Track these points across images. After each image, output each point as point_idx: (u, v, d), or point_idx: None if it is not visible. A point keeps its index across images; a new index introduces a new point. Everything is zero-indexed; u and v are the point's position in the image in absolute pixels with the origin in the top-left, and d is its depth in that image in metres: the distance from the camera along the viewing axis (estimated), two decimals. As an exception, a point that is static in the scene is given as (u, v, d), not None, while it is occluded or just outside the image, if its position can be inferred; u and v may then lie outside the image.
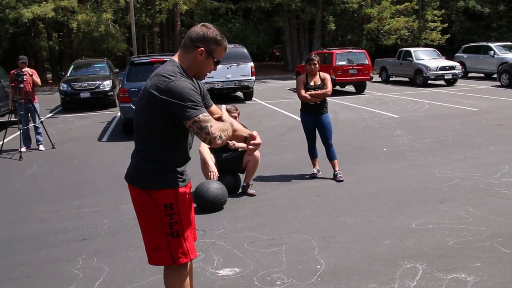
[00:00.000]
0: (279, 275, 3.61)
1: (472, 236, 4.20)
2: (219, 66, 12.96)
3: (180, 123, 2.37)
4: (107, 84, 15.37)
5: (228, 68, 15.54)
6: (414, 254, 3.87)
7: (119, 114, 13.14)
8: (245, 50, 16.49)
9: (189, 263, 2.63)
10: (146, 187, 2.48)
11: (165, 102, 2.33)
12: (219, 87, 15.67)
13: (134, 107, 9.75)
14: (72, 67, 17.41)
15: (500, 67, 19.56)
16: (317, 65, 6.38)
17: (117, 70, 18.22)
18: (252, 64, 16.02)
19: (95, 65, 17.54)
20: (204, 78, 2.62)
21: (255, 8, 29.23)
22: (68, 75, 16.56)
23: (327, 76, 6.43)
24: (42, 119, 9.68)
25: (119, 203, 5.69)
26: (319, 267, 3.73)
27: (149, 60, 10.66)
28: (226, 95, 16.88)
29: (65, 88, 15.18)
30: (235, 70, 15.70)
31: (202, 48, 2.45)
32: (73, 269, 3.94)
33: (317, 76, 6.40)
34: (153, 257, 2.56)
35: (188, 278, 2.66)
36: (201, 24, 2.54)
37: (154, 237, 2.53)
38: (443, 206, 5.06)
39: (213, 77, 15.40)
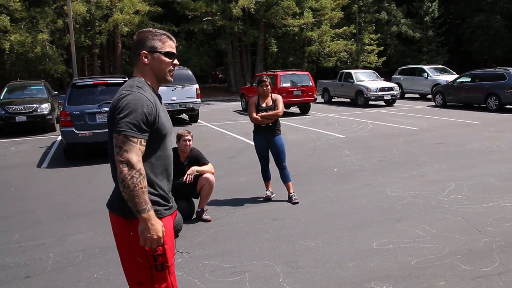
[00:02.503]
0: None
1: (432, 254, 4.24)
2: (164, 89, 12.61)
3: (151, 143, 2.25)
4: (45, 107, 14.65)
5: (173, 90, 15.30)
6: (379, 276, 3.84)
7: (59, 138, 12.57)
8: (190, 72, 16.36)
9: None
10: (128, 216, 2.29)
11: (114, 115, 2.23)
12: (164, 109, 15.39)
13: (76, 131, 9.37)
14: (6, 89, 16.48)
15: (434, 88, 20.58)
16: (269, 87, 6.36)
17: (56, 92, 17.49)
18: (197, 86, 15.88)
19: (32, 88, 16.74)
20: (169, 80, 2.46)
21: (198, 30, 29.22)
22: (1, 98, 15.67)
23: (279, 98, 6.42)
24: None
25: (65, 234, 5.33)
26: (286, 294, 3.62)
27: (92, 82, 10.27)
28: (171, 117, 16.53)
29: (-2, 112, 14.34)
30: (180, 92, 15.49)
31: (143, 51, 2.39)
32: (19, 310, 3.60)
33: (269, 98, 6.37)
34: None
35: None
36: (136, 34, 2.49)
37: (136, 270, 2.35)
38: (400, 225, 5.11)
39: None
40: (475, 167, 7.86)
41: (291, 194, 6.33)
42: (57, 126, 15.13)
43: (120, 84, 10.19)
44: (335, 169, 8.16)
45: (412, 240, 4.63)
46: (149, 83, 2.39)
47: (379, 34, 35.45)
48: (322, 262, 4.21)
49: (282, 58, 32.64)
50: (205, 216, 5.66)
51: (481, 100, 17.30)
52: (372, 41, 34.59)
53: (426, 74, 23.06)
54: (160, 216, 2.31)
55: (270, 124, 6.32)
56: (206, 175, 5.65)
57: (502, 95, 16.33)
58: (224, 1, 28.08)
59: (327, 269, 4.05)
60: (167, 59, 2.40)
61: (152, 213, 2.19)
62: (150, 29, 2.45)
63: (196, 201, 5.78)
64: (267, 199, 6.44)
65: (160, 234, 2.21)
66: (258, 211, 5.97)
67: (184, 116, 17.20)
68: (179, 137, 5.69)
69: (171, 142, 2.50)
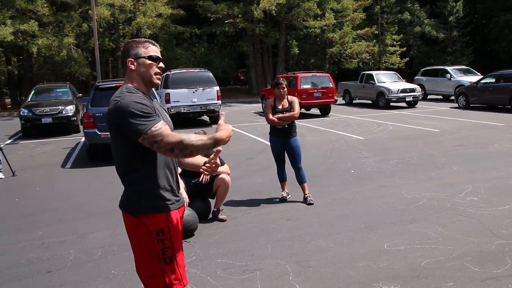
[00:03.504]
0: None
1: (443, 255, 4.26)
2: (185, 91, 12.91)
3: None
4: (70, 109, 15.08)
5: (194, 92, 15.56)
6: (388, 276, 3.89)
7: (83, 139, 12.88)
8: (211, 74, 16.57)
9: None
10: (136, 213, 2.44)
11: (119, 124, 2.34)
12: (185, 111, 15.65)
13: (99, 133, 9.61)
14: (33, 92, 17.01)
15: (457, 89, 20.32)
16: (285, 89, 6.45)
17: (81, 95, 17.92)
18: (217, 88, 16.09)
19: (57, 90, 17.22)
20: (156, 82, 2.56)
21: (219, 32, 29.54)
22: (29, 100, 16.17)
23: (295, 100, 6.50)
24: (1, 146, 9.36)
25: (86, 232, 5.52)
26: (295, 292, 3.69)
27: (114, 84, 10.52)
28: (192, 119, 16.82)
29: (25, 114, 14.80)
30: (201, 94, 15.72)
31: (129, 59, 2.51)
32: (39, 304, 3.76)
33: (285, 100, 6.46)
34: (148, 284, 2.51)
35: None
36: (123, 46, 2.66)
37: (147, 264, 2.48)
38: (412, 227, 5.13)
39: (179, 101, 15.38)
40: (494, 169, 7.79)
41: (306, 195, 6.40)
42: (81, 127, 15.53)
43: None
44: (352, 171, 8.19)
45: (423, 242, 4.65)
46: (138, 88, 2.49)
47: (401, 35, 35.14)
48: (332, 261, 4.28)
49: (304, 59, 32.71)
50: (220, 216, 5.78)
51: (506, 101, 17.02)
52: (395, 42, 34.31)
53: (449, 75, 22.79)
54: (165, 210, 2.44)
55: (286, 126, 6.40)
56: (222, 175, 5.77)
57: (528, 96, 16.08)
58: (246, 3, 28.34)
59: (336, 269, 4.11)
60: (151, 62, 2.51)
61: (216, 133, 2.38)
62: (134, 39, 2.61)
63: (212, 201, 5.91)
64: (283, 199, 6.52)
65: (231, 127, 2.43)
66: (273, 211, 6.06)
67: (205, 118, 17.42)
68: None
69: None
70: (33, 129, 15.12)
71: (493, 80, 18.07)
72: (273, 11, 26.92)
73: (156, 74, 2.53)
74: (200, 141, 2.30)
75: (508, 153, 9.17)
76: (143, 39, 2.59)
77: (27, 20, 23.81)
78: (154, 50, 2.54)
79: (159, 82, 2.60)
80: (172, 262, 2.46)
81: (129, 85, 2.49)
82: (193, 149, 2.31)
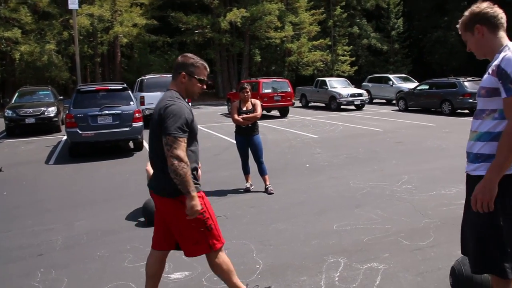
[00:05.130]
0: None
1: (381, 233, 4.58)
2: (159, 94, 12.89)
3: (188, 140, 2.69)
4: (52, 110, 14.78)
5: (166, 95, 15.53)
6: (336, 250, 4.16)
7: (64, 138, 12.71)
8: (182, 79, 16.56)
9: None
10: (178, 195, 2.69)
11: (163, 120, 2.62)
12: (158, 112, 15.58)
13: (80, 132, 9.55)
14: (17, 94, 16.53)
15: (398, 94, 21.04)
16: (249, 93, 6.66)
17: (62, 97, 17.56)
18: (188, 92, 16.10)
19: (40, 93, 16.79)
20: (196, 97, 2.94)
21: (189, 41, 29.41)
22: (13, 102, 15.74)
23: (257, 102, 6.71)
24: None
25: (72, 220, 5.56)
26: (258, 266, 3.90)
27: (94, 88, 10.46)
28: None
29: (9, 114, 14.41)
30: (173, 97, 15.70)
31: (183, 72, 2.81)
32: (33, 282, 3.82)
33: (249, 102, 6.66)
34: (193, 250, 2.85)
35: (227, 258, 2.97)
36: (180, 55, 2.93)
37: (193, 235, 2.78)
38: (357, 211, 5.43)
39: (152, 103, 15.30)
40: (425, 162, 8.24)
41: (267, 186, 6.62)
42: (62, 127, 15.26)
43: (119, 90, 10.42)
44: (307, 165, 8.48)
45: (366, 222, 4.95)
46: (182, 96, 2.81)
47: (351, 46, 35.94)
48: (289, 240, 4.52)
49: (265, 67, 32.97)
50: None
51: (437, 105, 17.80)
52: (345, 52, 35.05)
53: (391, 82, 23.56)
54: (198, 190, 2.76)
55: (250, 125, 6.61)
56: (193, 169, 5.92)
57: (454, 101, 16.84)
58: (214, 15, 28.34)
59: (293, 246, 4.35)
60: (199, 84, 2.86)
61: (195, 193, 2.65)
62: (193, 57, 2.88)
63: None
64: (247, 190, 6.72)
65: (200, 208, 2.66)
66: (239, 200, 6.25)
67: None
68: None
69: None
70: (17, 128, 14.74)
71: (427, 87, 18.82)
72: (238, 23, 27.05)
73: (198, 92, 2.89)
74: (187, 177, 2.58)
75: (438, 148, 9.69)
76: (201, 61, 2.86)
77: (11, 28, 23.11)
78: (205, 74, 2.88)
79: (197, 97, 2.95)
80: (212, 228, 2.82)
81: (176, 92, 2.80)
82: (181, 173, 2.56)
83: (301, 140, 11.81)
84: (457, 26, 2.52)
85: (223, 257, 2.93)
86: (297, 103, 23.10)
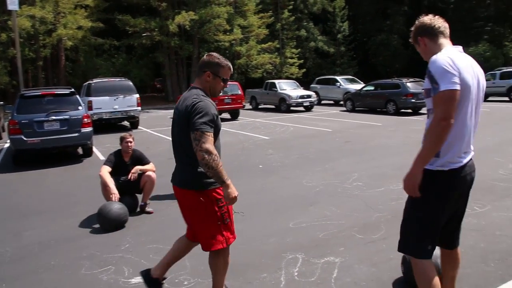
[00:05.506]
0: (185, 277, 3.77)
1: (336, 228, 4.76)
2: (106, 98, 12.64)
3: (215, 134, 2.79)
4: (-9, 117, 14.06)
5: (115, 99, 15.19)
6: (294, 247, 4.28)
7: (6, 146, 12.12)
8: (131, 83, 16.26)
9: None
10: (201, 188, 2.84)
11: (190, 117, 2.73)
12: (107, 117, 15.18)
13: (25, 139, 9.15)
14: (-49, 100, 15.59)
15: (345, 95, 21.73)
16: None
17: (2, 102, 16.71)
18: (137, 95, 15.84)
19: (-22, 99, 15.92)
20: (218, 95, 3.04)
21: (137, 44, 28.87)
22: None
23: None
24: None
25: (20, 230, 5.34)
26: (218, 266, 3.94)
27: (40, 93, 10.05)
28: (114, 124, 16.39)
29: None
30: (122, 101, 15.39)
31: (208, 71, 2.92)
32: (-17, 295, 3.67)
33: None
34: (209, 244, 2.93)
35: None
36: (206, 54, 3.05)
37: (209, 227, 2.90)
38: (312, 208, 5.60)
39: (101, 108, 14.95)
40: (374, 160, 8.61)
41: (223, 187, 6.66)
42: (4, 134, 14.53)
43: (67, 95, 10.09)
44: (260, 166, 8.60)
45: (321, 219, 5.13)
46: (207, 94, 2.91)
47: (299, 49, 36.69)
48: (248, 240, 4.59)
49: (215, 70, 32.89)
50: (148, 209, 5.87)
51: (382, 105, 18.56)
52: (294, 54, 35.73)
53: (338, 83, 24.29)
54: (217, 186, 2.87)
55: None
56: (148, 173, 5.87)
57: (398, 101, 17.64)
58: (162, 18, 27.98)
59: (251, 245, 4.43)
60: (222, 84, 2.98)
61: (230, 181, 2.76)
62: (219, 57, 2.98)
63: (139, 196, 5.97)
64: (203, 192, 6.73)
65: (237, 193, 2.80)
66: (195, 202, 6.24)
67: (126, 123, 17.06)
68: (122, 139, 5.86)
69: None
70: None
71: (373, 88, 19.58)
72: (187, 26, 26.89)
73: (220, 91, 3.02)
74: (220, 168, 2.69)
75: (384, 147, 10.13)
76: (226, 61, 2.97)
77: None
78: (228, 74, 3.00)
79: (219, 95, 3.08)
80: (228, 222, 2.95)
81: (201, 90, 2.91)
82: (213, 165, 2.67)
83: (253, 142, 11.95)
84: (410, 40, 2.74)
85: (228, 254, 3.07)
86: (248, 106, 23.29)
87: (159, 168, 6.78)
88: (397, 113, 17.66)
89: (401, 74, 35.15)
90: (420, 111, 18.38)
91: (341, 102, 22.61)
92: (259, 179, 7.48)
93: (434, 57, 2.41)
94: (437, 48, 2.54)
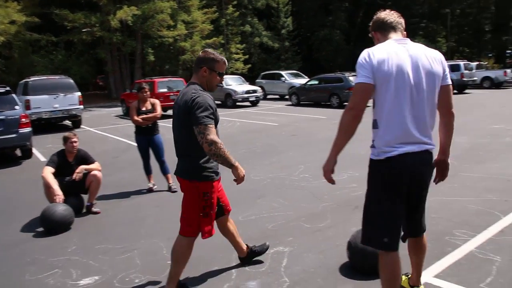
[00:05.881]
0: (136, 275, 3.74)
1: (284, 219, 4.89)
2: (46, 97, 12.10)
3: (214, 125, 2.96)
4: None
5: (55, 98, 14.57)
6: (244, 239, 4.28)
7: None
8: (71, 81, 15.64)
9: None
10: (192, 179, 3.09)
11: (190, 112, 2.90)
12: (46, 117, 14.53)
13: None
14: None
15: (290, 90, 22.12)
16: (148, 93, 6.61)
17: None
18: (79, 93, 15.28)
19: None
20: (215, 89, 3.21)
21: (77, 40, 27.76)
22: None
23: (156, 102, 6.69)
24: None
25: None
26: (169, 262, 3.93)
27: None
28: (54, 124, 15.73)
29: None
30: (62, 100, 14.79)
31: (205, 67, 3.09)
32: None
33: (148, 102, 6.61)
34: (184, 229, 3.23)
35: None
36: (202, 50, 3.22)
37: (190, 217, 3.16)
38: (260, 201, 5.71)
39: (40, 107, 14.29)
40: (319, 152, 8.86)
41: (170, 184, 6.63)
42: None
43: (1, 94, 9.57)
44: (209, 161, 8.60)
45: (269, 211, 5.25)
46: (204, 88, 3.08)
47: (244, 44, 36.83)
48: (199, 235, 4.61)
49: (159, 66, 32.37)
50: (94, 209, 5.73)
51: (326, 99, 19.08)
52: (239, 50, 35.83)
53: (283, 78, 24.66)
54: (212, 179, 3.13)
55: (150, 125, 6.57)
56: (93, 172, 5.73)
57: (341, 95, 18.22)
58: (103, 13, 27.07)
59: (203, 240, 4.45)
60: (218, 78, 3.14)
61: (238, 163, 3.04)
62: (213, 52, 3.15)
63: (85, 197, 5.82)
64: (150, 190, 6.67)
65: (244, 172, 3.09)
66: (143, 200, 6.19)
67: (67, 123, 16.42)
68: (66, 139, 5.68)
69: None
70: None
71: (317, 82, 20.07)
72: (129, 22, 26.21)
73: (217, 85, 3.18)
74: (227, 154, 2.93)
75: (329, 139, 10.30)
76: (221, 56, 3.14)
77: None
78: (223, 68, 3.16)
79: (215, 89, 3.23)
80: (208, 217, 3.16)
81: (198, 85, 3.08)
82: (221, 153, 2.90)
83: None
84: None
85: (191, 248, 3.28)
86: (195, 102, 23.08)
87: (104, 167, 6.64)
88: (341, 106, 18.20)
89: (343, 69, 36.21)
90: (362, 104, 19.04)
91: (287, 97, 22.99)
92: (207, 175, 7.48)
93: (366, 50, 2.49)
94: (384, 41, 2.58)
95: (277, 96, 25.44)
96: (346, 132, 2.48)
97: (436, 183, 2.80)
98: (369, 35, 2.75)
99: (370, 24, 2.72)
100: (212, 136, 2.87)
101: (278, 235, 4.41)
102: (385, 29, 2.62)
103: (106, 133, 13.99)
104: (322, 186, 6.25)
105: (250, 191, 6.23)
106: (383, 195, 2.53)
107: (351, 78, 18.37)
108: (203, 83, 3.11)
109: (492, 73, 25.25)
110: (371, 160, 2.59)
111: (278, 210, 5.26)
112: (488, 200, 5.17)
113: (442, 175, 2.81)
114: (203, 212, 3.13)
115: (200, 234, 3.20)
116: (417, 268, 2.99)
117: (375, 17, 2.68)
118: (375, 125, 2.54)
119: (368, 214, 2.63)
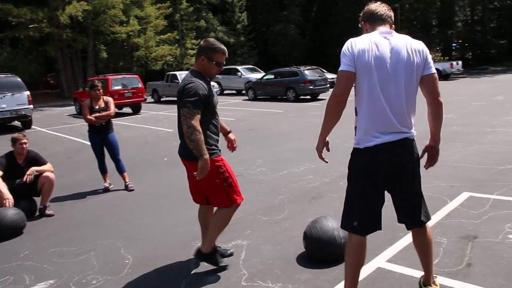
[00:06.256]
0: (94, 276, 3.67)
1: (242, 213, 4.92)
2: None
3: (208, 113, 3.23)
4: None
5: (2, 98, 13.93)
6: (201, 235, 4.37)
7: None
8: (19, 79, 14.98)
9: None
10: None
11: (181, 96, 3.12)
12: (-7, 117, 13.90)
13: None
14: None
15: (246, 84, 22.19)
16: (101, 90, 6.47)
17: None
18: (28, 93, 14.66)
19: None
20: (214, 76, 3.39)
21: (24, 37, 26.53)
22: None
23: (110, 100, 6.55)
24: None
25: None
26: (127, 261, 3.91)
27: None
28: (2, 125, 15.04)
29: None
30: (10, 100, 14.15)
31: (203, 56, 3.26)
32: None
33: (101, 100, 6.47)
34: (218, 202, 3.44)
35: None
36: (203, 39, 3.39)
37: (217, 190, 3.34)
38: (219, 196, 5.72)
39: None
40: (276, 146, 8.98)
41: (127, 183, 6.53)
42: None
43: None
44: (165, 159, 8.54)
45: (228, 206, 5.27)
46: (202, 75, 3.27)
47: (199, 40, 36.45)
48: (156, 232, 4.60)
49: (113, 63, 31.54)
50: (48, 212, 5.56)
51: (283, 93, 19.29)
52: (194, 45, 35.41)
53: (239, 73, 24.72)
54: (217, 155, 3.35)
55: (104, 124, 6.43)
56: (46, 173, 5.55)
57: (297, 88, 18.47)
58: (50, 8, 26.03)
59: (161, 237, 4.45)
60: (216, 67, 3.30)
61: (207, 156, 3.12)
62: (213, 42, 3.30)
63: (38, 200, 5.63)
64: (106, 190, 6.54)
65: (208, 170, 3.15)
66: (99, 200, 6.06)
67: (17, 123, 15.74)
68: (15, 141, 5.47)
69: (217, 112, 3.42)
70: None
71: (273, 77, 20.25)
72: (80, 17, 25.34)
73: (215, 73, 3.36)
74: (200, 142, 3.06)
75: (286, 132, 10.60)
76: (221, 46, 3.30)
77: None
78: (223, 58, 3.32)
79: (215, 77, 3.48)
80: (232, 185, 3.39)
81: (197, 71, 3.28)
82: (195, 140, 3.04)
83: (156, 135, 11.77)
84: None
85: (232, 214, 3.51)
86: (149, 99, 22.76)
87: (57, 169, 6.46)
88: (297, 100, 18.46)
89: (299, 62, 36.66)
90: (318, 97, 19.43)
91: (243, 92, 23.05)
92: (164, 172, 7.43)
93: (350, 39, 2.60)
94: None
95: (234, 91, 25.45)
96: (330, 117, 2.63)
97: (426, 169, 2.88)
98: (359, 25, 2.85)
99: (360, 15, 2.81)
100: (193, 121, 3.04)
101: (236, 229, 4.45)
102: (375, 20, 2.70)
103: (59, 133, 13.54)
104: (279, 179, 6.34)
105: (208, 187, 6.22)
106: (359, 182, 2.64)
107: (306, 72, 18.65)
108: (202, 70, 3.29)
109: (440, 65, 26.30)
110: (353, 148, 2.69)
111: (236, 205, 5.29)
112: (436, 186, 5.43)
113: (432, 161, 2.89)
114: (226, 182, 3.35)
115: (233, 202, 3.42)
116: (425, 265, 2.89)
117: (366, 8, 2.77)
118: (356, 112, 2.65)
119: (346, 197, 2.75)
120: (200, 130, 3.07)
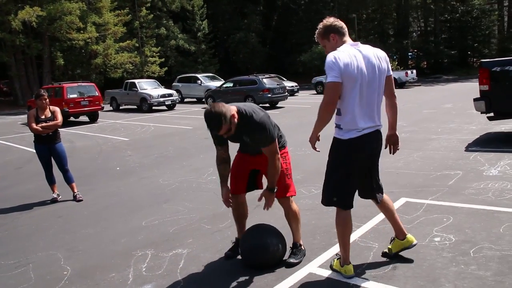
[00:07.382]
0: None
1: (187, 222, 5.00)
2: None
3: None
4: None
5: None
6: (144, 244, 4.40)
7: None
8: (-33, 87, 14.46)
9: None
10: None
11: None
12: None
13: None
14: None
15: (206, 93, 22.23)
16: (47, 100, 6.40)
17: None
18: (-24, 101, 14.16)
19: None
20: None
21: (-27, 43, 25.62)
22: None
23: (56, 109, 6.48)
24: None
25: None
26: (65, 273, 3.89)
27: None
28: None
29: None
30: (-43, 108, 13.62)
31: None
32: None
33: (48, 110, 6.39)
34: (287, 191, 3.72)
35: None
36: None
37: (282, 182, 3.67)
38: (166, 205, 5.76)
39: None
40: (231, 154, 9.04)
41: (75, 193, 6.46)
42: None
43: None
44: (118, 168, 8.47)
45: (173, 215, 5.32)
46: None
47: (160, 47, 36.25)
48: (99, 243, 4.58)
49: (70, 70, 30.85)
50: (-12, 224, 5.43)
51: (242, 101, 19.38)
52: (154, 53, 35.21)
53: (199, 81, 24.73)
54: (283, 147, 3.75)
55: (51, 134, 6.36)
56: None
57: (256, 96, 18.67)
58: (2, 13, 25.22)
59: (103, 248, 4.44)
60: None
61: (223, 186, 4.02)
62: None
63: (-22, 212, 5.49)
64: (54, 200, 6.43)
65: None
66: (45, 212, 5.96)
67: (-35, 132, 15.17)
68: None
69: None
70: None
71: (232, 85, 20.40)
72: (34, 23, 24.68)
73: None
74: (278, 169, 3.55)
75: (241, 141, 10.70)
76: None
77: None
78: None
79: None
80: (291, 177, 3.78)
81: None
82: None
83: (111, 144, 11.63)
84: (315, 37, 3.36)
85: (297, 206, 3.86)
86: (108, 107, 22.39)
87: (4, 180, 6.34)
88: (255, 108, 18.63)
89: (260, 70, 37.05)
90: (277, 105, 19.69)
91: (203, 100, 23.05)
92: (115, 182, 7.38)
93: (328, 55, 3.08)
94: (341, 44, 3.18)
95: (194, 100, 25.40)
96: (323, 120, 3.12)
97: (393, 154, 3.64)
98: (315, 37, 3.35)
99: (323, 28, 3.27)
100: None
101: (178, 238, 4.51)
102: (343, 33, 3.24)
103: (10, 142, 13.14)
104: (228, 187, 6.42)
105: (157, 196, 6.26)
106: (340, 166, 3.23)
107: (265, 80, 18.90)
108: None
109: (396, 74, 27.20)
110: (336, 138, 3.23)
111: (182, 213, 5.35)
112: (375, 192, 5.66)
113: (395, 146, 3.59)
114: (287, 173, 3.72)
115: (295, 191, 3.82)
116: (393, 222, 3.61)
117: (329, 22, 3.26)
118: (338, 112, 3.16)
119: (326, 178, 3.33)
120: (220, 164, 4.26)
